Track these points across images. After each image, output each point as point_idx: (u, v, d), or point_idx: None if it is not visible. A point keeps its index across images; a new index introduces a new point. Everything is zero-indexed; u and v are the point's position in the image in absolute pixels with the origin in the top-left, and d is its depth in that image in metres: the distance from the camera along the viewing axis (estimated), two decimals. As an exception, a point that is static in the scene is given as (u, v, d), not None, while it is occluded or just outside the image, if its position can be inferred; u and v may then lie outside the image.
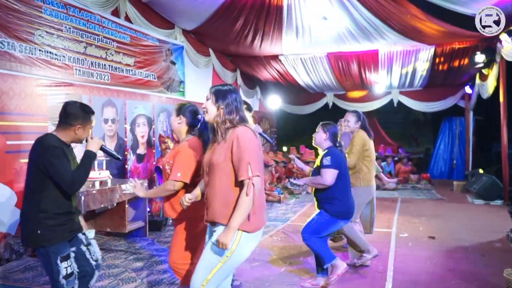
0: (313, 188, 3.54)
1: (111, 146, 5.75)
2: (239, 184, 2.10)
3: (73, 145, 2.53)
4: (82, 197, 4.02)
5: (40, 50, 4.71)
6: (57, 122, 2.45)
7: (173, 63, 7.52)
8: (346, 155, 3.82)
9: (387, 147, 12.42)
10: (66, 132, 2.40)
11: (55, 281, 2.30)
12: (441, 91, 11.22)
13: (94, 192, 4.27)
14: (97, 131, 5.44)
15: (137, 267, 4.00)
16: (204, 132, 2.66)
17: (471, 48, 8.43)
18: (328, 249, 3.43)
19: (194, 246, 2.66)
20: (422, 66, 9.61)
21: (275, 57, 9.88)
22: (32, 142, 2.38)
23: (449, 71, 9.89)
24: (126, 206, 4.83)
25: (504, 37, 6.78)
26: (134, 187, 2.73)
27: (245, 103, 3.50)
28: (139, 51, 6.52)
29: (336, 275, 3.39)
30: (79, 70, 5.29)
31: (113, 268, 4.00)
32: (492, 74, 8.11)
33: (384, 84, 10.95)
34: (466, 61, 8.87)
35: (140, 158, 6.51)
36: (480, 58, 8.11)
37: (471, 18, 6.00)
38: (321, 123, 3.57)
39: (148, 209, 5.46)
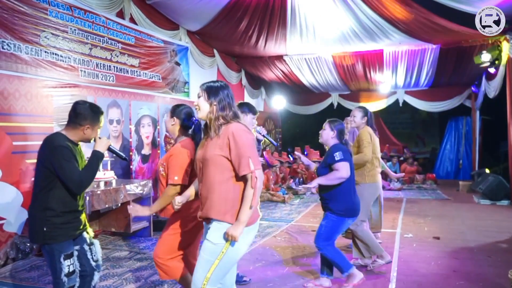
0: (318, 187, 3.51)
1: (116, 146, 5.78)
2: (236, 180, 2.12)
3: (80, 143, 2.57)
4: (87, 197, 4.05)
5: (46, 51, 4.76)
6: (63, 123, 2.49)
7: (178, 64, 7.56)
8: (352, 152, 3.81)
9: (392, 147, 12.36)
10: (75, 131, 2.43)
11: (57, 279, 2.33)
12: (447, 91, 11.14)
13: (99, 192, 4.30)
14: (102, 132, 5.46)
15: (141, 267, 4.02)
16: (197, 134, 2.69)
17: (477, 47, 8.37)
18: (344, 257, 3.39)
19: (183, 243, 2.68)
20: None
21: (280, 58, 9.89)
22: (38, 142, 2.41)
23: (454, 71, 9.83)
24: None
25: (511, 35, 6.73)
26: (136, 211, 2.72)
27: (250, 106, 3.52)
28: (144, 52, 6.57)
29: (351, 285, 3.34)
30: (85, 72, 5.34)
31: (117, 267, 4.03)
32: (499, 73, 8.04)
33: (389, 84, 10.91)
34: (472, 60, 8.80)
35: (145, 158, 6.55)
36: (486, 57, 8.04)
37: (476, 17, 5.97)
38: (328, 120, 3.53)
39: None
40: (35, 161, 4.26)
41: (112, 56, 5.84)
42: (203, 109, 2.22)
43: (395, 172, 10.91)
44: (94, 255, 2.55)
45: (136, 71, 6.39)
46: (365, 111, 4.25)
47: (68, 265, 2.35)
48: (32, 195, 2.42)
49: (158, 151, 6.88)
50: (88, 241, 2.55)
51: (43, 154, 2.35)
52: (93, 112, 2.46)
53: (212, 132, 2.16)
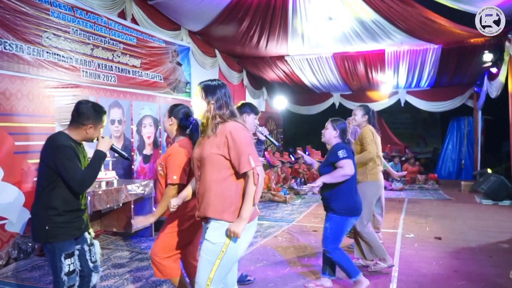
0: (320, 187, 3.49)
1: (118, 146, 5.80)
2: (233, 178, 2.13)
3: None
4: (88, 197, 4.06)
5: (47, 52, 4.78)
6: (64, 123, 2.50)
7: (179, 64, 7.57)
8: (355, 151, 3.80)
9: (393, 147, 12.34)
10: (78, 131, 2.44)
11: (57, 277, 2.34)
12: (449, 91, 11.12)
13: (100, 192, 4.31)
14: (104, 132, 5.47)
15: (142, 267, 4.03)
16: (195, 134, 2.70)
17: (478, 47, 8.36)
18: (352, 263, 3.38)
19: (180, 242, 2.69)
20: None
21: (281, 58, 9.90)
22: (40, 143, 2.42)
23: (456, 71, 9.81)
24: (132, 206, 4.88)
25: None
26: (141, 222, 2.67)
27: (252, 106, 3.52)
28: (146, 52, 6.58)
29: None
30: (86, 72, 5.36)
31: (119, 267, 4.04)
32: (501, 73, 8.03)
33: (391, 84, 10.89)
34: (474, 60, 8.79)
35: (146, 158, 6.56)
36: (488, 57, 8.04)
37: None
38: (330, 119, 3.51)
39: (154, 210, 5.49)
40: (37, 161, 4.30)
41: (113, 56, 5.86)
42: (201, 108, 2.22)
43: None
44: (93, 256, 2.56)
45: (138, 71, 6.41)
46: (366, 110, 4.24)
47: (69, 264, 2.36)
48: (35, 194, 2.44)
49: (160, 151, 6.89)
50: (88, 241, 2.56)
51: (46, 154, 2.37)
52: (96, 111, 2.47)
53: (209, 131, 2.16)
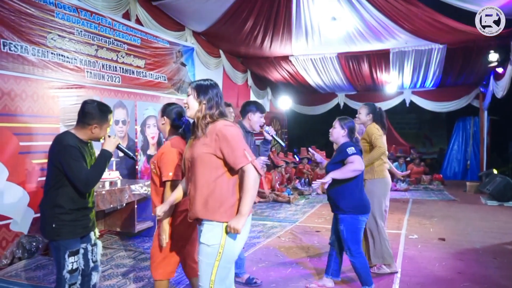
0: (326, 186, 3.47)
1: (121, 147, 5.83)
2: (226, 177, 2.12)
3: None
4: (93, 197, 4.09)
5: (52, 53, 4.82)
6: (69, 124, 2.52)
7: (184, 64, 7.59)
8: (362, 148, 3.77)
9: (398, 147, 12.28)
10: (84, 131, 2.47)
11: (60, 274, 2.37)
12: (454, 91, 11.04)
13: (104, 192, 4.34)
14: (109, 132, 5.53)
15: (145, 267, 4.05)
16: (187, 134, 2.68)
17: (484, 47, 8.29)
18: (369, 272, 3.35)
19: (174, 242, 2.66)
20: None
21: (285, 58, 9.89)
22: (45, 143, 2.46)
23: (462, 70, 9.74)
24: (135, 206, 4.90)
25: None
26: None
27: (257, 105, 3.51)
28: (150, 53, 6.61)
29: None
30: (91, 73, 5.39)
31: (121, 267, 4.06)
32: (507, 73, 7.96)
33: (395, 84, 10.85)
34: (480, 60, 8.72)
35: (150, 159, 6.58)
36: (493, 57, 7.97)
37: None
38: (338, 118, 3.46)
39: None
40: (41, 161, 4.36)
41: (118, 57, 5.89)
42: (192, 108, 2.21)
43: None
44: (94, 256, 2.59)
45: (142, 72, 6.44)
46: (370, 109, 4.17)
47: (72, 262, 2.39)
48: (43, 192, 2.48)
49: (164, 152, 6.90)
50: (92, 241, 2.58)
51: (53, 153, 2.40)
52: (101, 111, 2.49)
53: (200, 132, 2.15)
